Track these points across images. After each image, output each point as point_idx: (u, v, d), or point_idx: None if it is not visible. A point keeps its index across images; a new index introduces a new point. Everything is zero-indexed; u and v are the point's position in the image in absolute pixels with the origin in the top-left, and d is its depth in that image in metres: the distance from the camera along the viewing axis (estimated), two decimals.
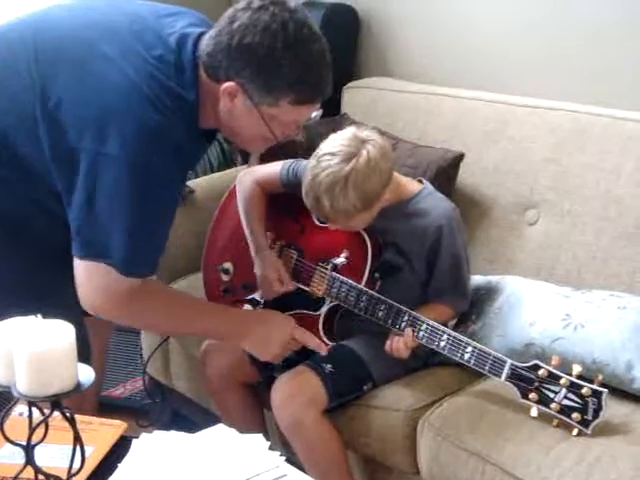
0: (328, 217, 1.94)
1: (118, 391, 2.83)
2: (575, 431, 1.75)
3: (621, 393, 1.88)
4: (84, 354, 1.34)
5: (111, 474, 1.44)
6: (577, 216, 2.26)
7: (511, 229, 2.39)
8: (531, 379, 1.78)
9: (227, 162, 3.06)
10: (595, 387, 1.73)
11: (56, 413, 1.30)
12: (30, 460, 1.33)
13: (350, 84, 2.90)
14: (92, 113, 1.60)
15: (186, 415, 2.64)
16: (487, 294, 2.13)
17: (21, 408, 1.45)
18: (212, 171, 2.98)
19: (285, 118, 1.67)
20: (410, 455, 1.94)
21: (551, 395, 1.76)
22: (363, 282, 2.01)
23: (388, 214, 2.01)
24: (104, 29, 1.68)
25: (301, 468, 1.74)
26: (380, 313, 1.96)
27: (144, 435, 1.54)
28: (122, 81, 1.60)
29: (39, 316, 1.31)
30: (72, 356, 1.29)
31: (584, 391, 1.73)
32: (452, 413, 1.91)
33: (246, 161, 2.78)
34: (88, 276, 1.68)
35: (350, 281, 2.00)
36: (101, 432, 1.58)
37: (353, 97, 2.87)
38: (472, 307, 2.11)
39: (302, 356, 2.03)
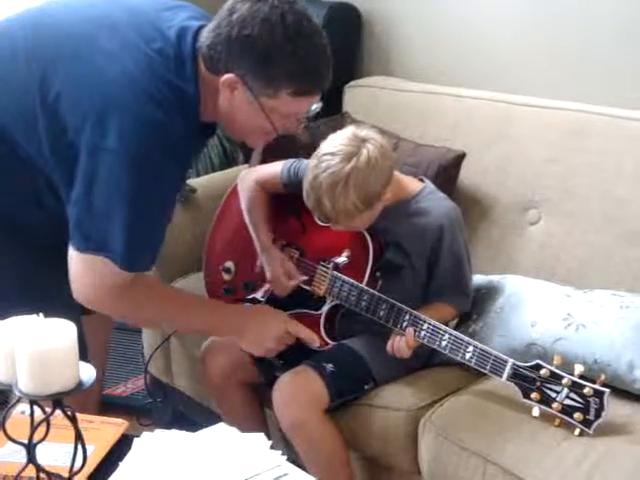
0: (330, 217, 1.94)
1: (119, 390, 2.83)
2: (577, 431, 1.75)
3: (623, 393, 1.88)
4: (80, 353, 1.33)
5: (112, 473, 1.44)
6: (578, 215, 2.26)
7: (512, 228, 2.39)
8: (533, 379, 1.78)
9: (228, 161, 3.05)
10: (597, 387, 1.73)
11: (58, 412, 1.30)
12: (32, 459, 1.33)
13: (352, 83, 2.90)
14: (91, 107, 1.59)
15: (187, 414, 2.64)
16: (488, 294, 2.13)
17: (23, 407, 1.45)
18: (213, 170, 2.98)
19: (285, 110, 1.66)
20: (411, 454, 1.94)
21: (553, 395, 1.76)
22: (364, 281, 2.01)
23: (389, 213, 2.01)
24: (103, 23, 1.68)
25: (302, 467, 1.73)
26: (381, 312, 1.96)
27: (145, 434, 1.54)
28: (121, 75, 1.60)
29: (41, 315, 1.31)
30: (74, 355, 1.29)
31: (586, 391, 1.73)
32: (453, 413, 1.91)
33: (247, 160, 2.78)
34: (84, 269, 1.67)
35: (351, 280, 2.00)
36: (102, 431, 1.58)
37: (355, 96, 2.86)
38: (473, 307, 2.11)
39: (303, 355, 2.03)
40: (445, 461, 1.85)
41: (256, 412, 2.20)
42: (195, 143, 1.77)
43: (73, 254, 1.67)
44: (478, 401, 1.93)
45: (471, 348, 1.86)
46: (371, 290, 1.98)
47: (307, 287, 2.08)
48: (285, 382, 1.99)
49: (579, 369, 1.77)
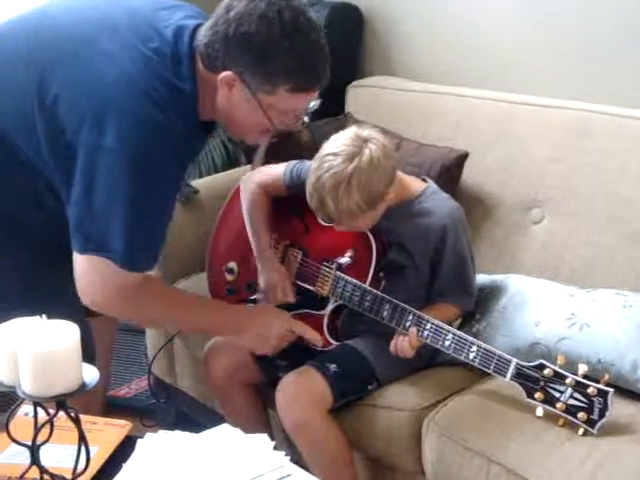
0: (333, 218, 1.94)
1: (123, 391, 2.83)
2: (581, 431, 1.74)
3: (627, 393, 1.88)
4: (89, 354, 1.33)
5: (116, 474, 1.43)
6: (582, 215, 2.26)
7: (516, 228, 2.39)
8: (537, 378, 1.78)
9: (231, 162, 3.05)
10: (601, 386, 1.72)
11: (61, 413, 1.31)
12: (35, 460, 1.33)
13: (354, 83, 2.90)
14: (89, 107, 1.60)
15: (191, 415, 2.64)
16: (491, 293, 2.13)
17: (26, 408, 1.46)
18: (216, 171, 2.98)
19: (283, 106, 1.66)
20: (415, 455, 1.94)
21: (557, 394, 1.76)
22: (368, 282, 2.00)
23: (392, 213, 2.01)
24: (104, 25, 1.68)
25: (306, 468, 1.74)
26: (385, 313, 1.96)
27: (149, 435, 1.54)
28: (119, 75, 1.60)
29: (44, 316, 1.31)
30: (77, 356, 1.29)
31: (590, 391, 1.72)
32: (457, 413, 1.91)
33: (250, 161, 2.78)
34: (87, 270, 1.68)
35: (355, 281, 2.00)
36: (106, 432, 1.58)
37: (357, 96, 2.86)
38: (476, 306, 2.11)
39: (306, 356, 2.03)
40: (449, 461, 1.85)
41: (259, 413, 2.20)
42: (194, 141, 1.77)
43: (77, 257, 1.67)
44: (482, 401, 1.93)
45: (475, 348, 1.86)
46: (374, 290, 1.98)
47: (310, 287, 2.07)
48: (288, 382, 1.99)
49: (583, 369, 1.76)
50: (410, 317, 1.93)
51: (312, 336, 1.98)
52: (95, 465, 1.45)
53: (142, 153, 1.59)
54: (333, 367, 1.97)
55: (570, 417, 1.75)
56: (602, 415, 1.72)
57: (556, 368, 1.77)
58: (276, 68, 1.59)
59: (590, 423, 1.73)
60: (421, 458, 1.93)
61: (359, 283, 2.00)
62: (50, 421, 1.33)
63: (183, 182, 2.45)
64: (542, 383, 1.77)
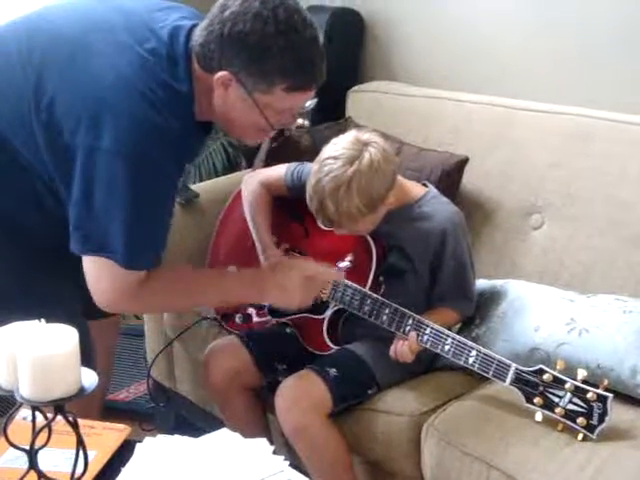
0: (333, 221, 1.94)
1: (122, 395, 2.83)
2: (580, 436, 1.74)
3: (626, 398, 1.87)
4: (87, 358, 1.33)
5: (115, 479, 1.43)
6: (582, 220, 2.26)
7: (515, 233, 2.39)
8: (536, 383, 1.78)
9: (231, 166, 3.06)
10: (600, 392, 1.72)
11: (59, 417, 1.30)
12: (33, 465, 1.33)
13: (355, 88, 2.90)
14: (86, 109, 1.60)
15: (190, 419, 2.64)
16: (491, 298, 2.13)
17: (24, 412, 1.45)
18: (216, 175, 2.98)
19: (280, 106, 1.66)
20: (414, 459, 1.94)
21: (556, 400, 1.76)
22: (367, 286, 2.00)
23: (392, 218, 2.01)
24: (101, 28, 1.68)
25: (305, 472, 1.73)
26: (384, 317, 1.96)
27: (148, 439, 1.54)
28: (115, 76, 1.60)
29: (42, 320, 1.31)
30: (75, 360, 1.29)
31: (589, 396, 1.72)
32: (456, 417, 1.90)
33: (251, 165, 2.78)
34: (96, 273, 1.68)
35: (354, 285, 2.00)
36: (104, 436, 1.58)
37: (358, 101, 2.86)
38: (476, 311, 2.11)
39: (306, 360, 2.03)
40: (448, 466, 1.84)
41: (259, 417, 2.20)
42: (192, 142, 1.76)
43: (84, 259, 1.68)
44: (481, 406, 1.93)
45: (474, 353, 1.86)
46: (374, 295, 1.98)
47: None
48: (288, 387, 1.99)
49: (582, 374, 1.76)
50: (410, 322, 1.93)
51: (330, 275, 1.95)
52: (93, 469, 1.45)
53: (139, 154, 1.59)
54: (333, 371, 1.97)
55: (569, 422, 1.75)
56: (601, 420, 1.72)
57: (555, 373, 1.77)
58: (271, 67, 1.59)
59: (589, 428, 1.73)
60: (420, 463, 1.93)
61: (359, 287, 2.00)
62: (48, 425, 1.32)
63: (182, 182, 2.45)
64: (541, 388, 1.77)
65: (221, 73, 1.61)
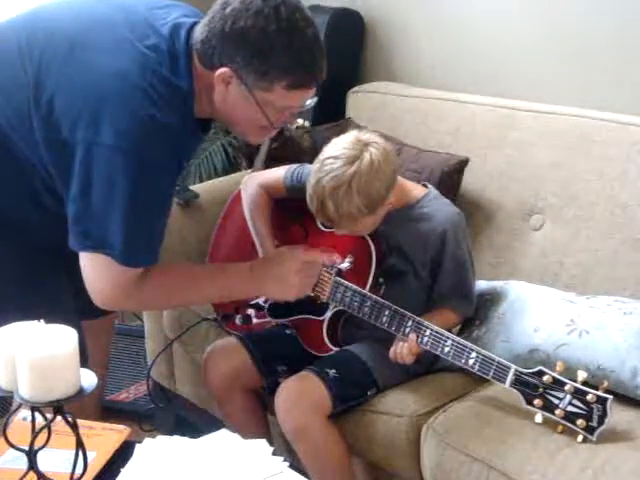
0: (333, 221, 1.93)
1: (122, 395, 2.83)
2: (580, 437, 1.74)
3: (626, 399, 1.87)
4: (81, 359, 1.33)
5: (114, 479, 1.43)
6: (582, 221, 2.26)
7: (515, 234, 2.39)
8: (536, 385, 1.77)
9: (232, 167, 3.06)
10: (600, 393, 1.72)
11: (59, 418, 1.30)
12: (33, 465, 1.33)
13: (355, 88, 2.90)
14: (85, 105, 1.60)
15: (190, 420, 2.64)
16: (491, 299, 2.13)
17: (24, 413, 1.45)
18: (217, 175, 2.98)
19: (280, 103, 1.66)
20: (414, 461, 1.94)
21: (556, 401, 1.76)
22: (367, 287, 2.00)
23: (393, 218, 2.01)
24: (98, 23, 1.68)
25: (305, 473, 1.74)
26: (384, 318, 1.96)
27: (147, 440, 1.54)
28: (115, 72, 1.60)
29: (41, 321, 1.31)
30: (75, 361, 1.29)
31: (589, 397, 1.72)
32: (456, 419, 1.90)
33: (250, 166, 2.78)
34: (93, 270, 1.68)
35: (354, 286, 2.00)
36: (104, 437, 1.58)
37: (358, 101, 2.86)
38: (476, 312, 2.11)
39: (306, 361, 2.03)
40: (448, 467, 1.84)
41: (258, 418, 2.20)
42: (191, 139, 1.76)
43: (81, 256, 1.67)
44: (481, 407, 1.93)
45: (474, 354, 1.85)
46: (374, 296, 1.98)
47: (310, 293, 2.07)
48: (288, 388, 1.98)
49: (582, 375, 1.76)
50: (409, 323, 1.93)
51: (327, 258, 1.93)
52: (93, 470, 1.45)
53: (139, 149, 1.59)
54: (332, 372, 1.97)
55: (569, 424, 1.75)
56: (601, 422, 1.72)
57: (555, 375, 1.77)
58: (272, 64, 1.59)
59: (589, 430, 1.73)
60: (420, 464, 1.93)
61: (358, 288, 1.99)
62: (48, 426, 1.32)
63: (182, 183, 2.45)
64: (541, 390, 1.77)
65: (222, 70, 1.61)
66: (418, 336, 1.91)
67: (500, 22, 2.70)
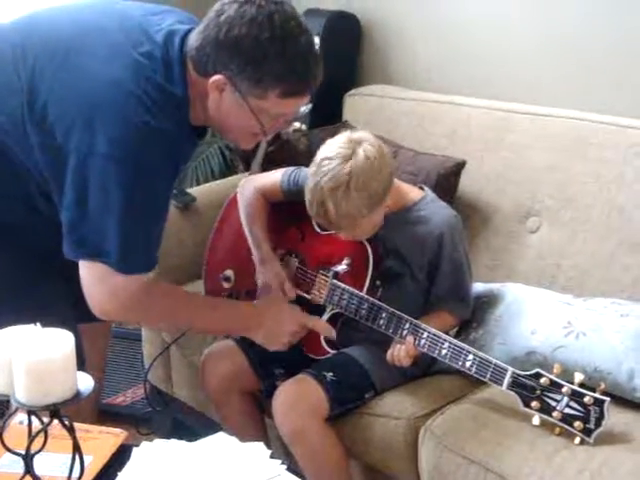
0: (332, 222, 1.93)
1: (119, 399, 2.83)
2: (577, 440, 1.74)
3: (623, 402, 1.87)
4: (78, 362, 1.33)
5: None
6: (578, 224, 2.26)
7: (512, 237, 2.39)
8: (533, 387, 1.77)
9: (229, 170, 3.06)
10: (597, 395, 1.72)
11: (55, 422, 1.30)
12: (29, 469, 1.32)
13: (351, 91, 2.90)
14: (79, 112, 1.60)
15: (187, 423, 2.63)
16: (488, 302, 2.13)
17: (20, 417, 1.45)
18: (214, 179, 2.98)
19: (274, 111, 1.66)
20: (411, 463, 1.94)
21: (553, 403, 1.76)
22: (364, 290, 2.00)
23: (389, 221, 2.01)
24: (92, 29, 1.68)
25: (302, 476, 1.74)
26: (381, 321, 1.96)
27: (145, 443, 1.53)
28: (109, 79, 1.60)
29: (38, 325, 1.31)
30: (71, 365, 1.28)
31: (586, 399, 1.72)
32: (453, 421, 1.90)
33: (247, 169, 2.78)
34: (90, 279, 1.68)
35: (351, 289, 2.00)
36: (101, 441, 1.57)
37: (354, 104, 2.87)
38: (473, 315, 2.11)
39: (304, 364, 2.03)
40: (445, 470, 1.84)
41: (256, 421, 2.19)
42: (185, 145, 1.77)
43: (81, 265, 1.67)
44: (478, 410, 1.92)
45: (471, 356, 1.85)
46: (371, 299, 1.98)
47: (307, 295, 2.07)
48: (285, 391, 1.98)
49: (579, 377, 1.76)
50: (407, 326, 1.93)
51: (324, 329, 1.98)
52: (90, 474, 1.45)
53: (133, 157, 1.59)
54: (330, 375, 1.97)
55: (566, 426, 1.75)
56: (598, 424, 1.72)
57: (552, 377, 1.77)
58: (266, 72, 1.59)
59: (586, 432, 1.73)
60: (418, 467, 1.93)
61: (355, 291, 1.99)
62: (44, 430, 1.32)
63: (178, 187, 2.45)
64: (538, 392, 1.77)
65: (216, 77, 1.61)
66: (415, 339, 1.91)
67: (496, 25, 2.71)
